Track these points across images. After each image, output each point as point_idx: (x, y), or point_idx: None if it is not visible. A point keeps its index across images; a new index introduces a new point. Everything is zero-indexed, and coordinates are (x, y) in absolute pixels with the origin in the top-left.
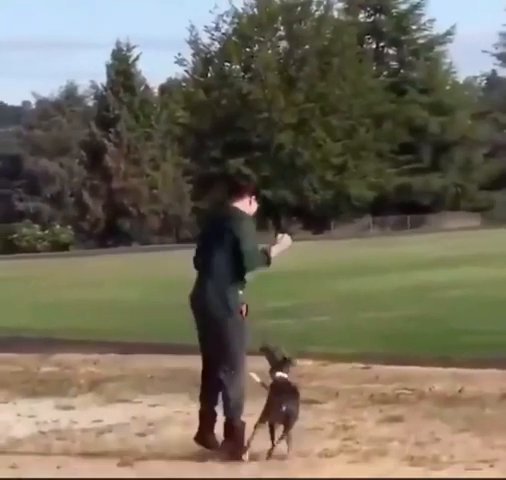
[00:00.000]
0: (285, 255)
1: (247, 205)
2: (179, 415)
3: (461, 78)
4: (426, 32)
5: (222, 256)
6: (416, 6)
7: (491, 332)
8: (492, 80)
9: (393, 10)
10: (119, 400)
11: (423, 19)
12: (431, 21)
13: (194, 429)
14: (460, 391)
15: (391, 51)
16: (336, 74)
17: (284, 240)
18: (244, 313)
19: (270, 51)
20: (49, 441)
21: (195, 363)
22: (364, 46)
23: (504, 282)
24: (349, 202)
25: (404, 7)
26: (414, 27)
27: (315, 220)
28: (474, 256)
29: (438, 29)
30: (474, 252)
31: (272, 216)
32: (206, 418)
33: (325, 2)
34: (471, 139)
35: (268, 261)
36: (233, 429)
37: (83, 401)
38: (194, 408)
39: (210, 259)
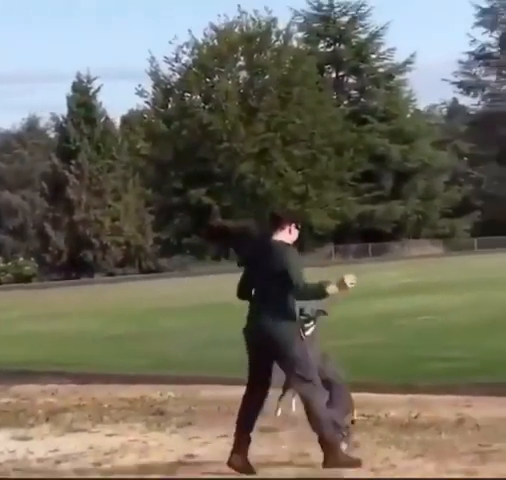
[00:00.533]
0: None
1: (287, 234)
2: (135, 444)
3: (422, 106)
4: (386, 61)
5: (275, 287)
6: (375, 35)
7: (453, 359)
8: (453, 108)
9: (353, 39)
10: (76, 430)
11: (383, 48)
12: (391, 50)
13: (150, 457)
14: (416, 417)
15: (351, 80)
16: (296, 103)
17: (348, 279)
18: (303, 336)
19: (230, 81)
20: (5, 471)
21: (151, 393)
22: (324, 75)
23: (466, 309)
24: (311, 231)
25: (364, 36)
26: (374, 56)
27: None
28: (436, 283)
29: (398, 58)
30: (436, 279)
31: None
32: (241, 443)
33: (284, 32)
34: (432, 167)
35: (323, 294)
36: (329, 444)
37: (40, 431)
38: (150, 437)
39: (264, 292)
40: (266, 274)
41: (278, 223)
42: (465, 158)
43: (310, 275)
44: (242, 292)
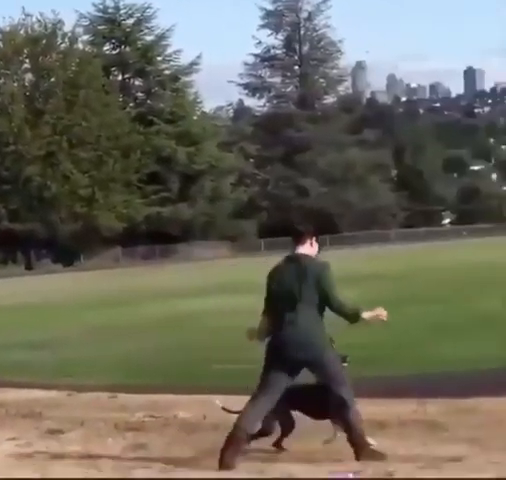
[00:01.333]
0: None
1: (309, 248)
2: None
3: (208, 108)
4: (172, 63)
5: (310, 303)
6: (161, 37)
7: (243, 360)
8: (239, 110)
9: (138, 42)
10: None
11: (169, 50)
12: (177, 52)
13: None
14: (205, 418)
15: (137, 82)
16: (83, 106)
17: (380, 312)
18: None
19: (16, 84)
20: None
21: None
22: (110, 77)
23: (252, 310)
24: (98, 233)
25: (149, 38)
26: (160, 58)
27: (65, 252)
28: (224, 284)
29: (184, 60)
30: (224, 280)
31: (21, 249)
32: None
33: (70, 34)
34: (219, 168)
35: (357, 318)
36: (359, 439)
37: None
38: None
39: (297, 307)
40: (300, 291)
41: (300, 238)
42: (251, 159)
43: (99, 278)
44: (270, 310)
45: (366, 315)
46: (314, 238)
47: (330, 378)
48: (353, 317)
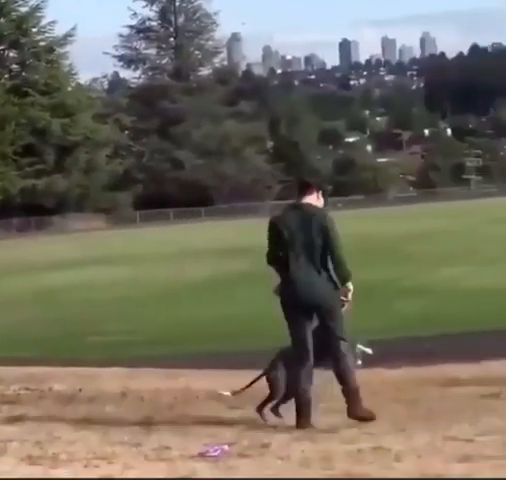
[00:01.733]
0: None
1: (315, 199)
2: None
3: (83, 79)
4: (47, 34)
5: (318, 248)
6: (36, 9)
7: (117, 332)
8: (114, 81)
9: (13, 13)
10: None
11: (43, 21)
12: (51, 23)
13: None
14: (80, 390)
15: (12, 54)
16: None
17: (349, 297)
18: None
19: None
20: None
21: None
22: None
23: (130, 282)
24: None
25: (24, 10)
26: (34, 29)
27: None
28: (99, 257)
29: (59, 31)
30: (99, 253)
31: None
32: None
33: None
34: (94, 140)
35: (345, 282)
36: (358, 393)
37: None
38: None
39: (309, 253)
40: (307, 237)
41: (307, 189)
42: (126, 131)
43: None
44: (275, 258)
45: (349, 285)
46: (321, 191)
47: (333, 329)
48: (343, 279)
